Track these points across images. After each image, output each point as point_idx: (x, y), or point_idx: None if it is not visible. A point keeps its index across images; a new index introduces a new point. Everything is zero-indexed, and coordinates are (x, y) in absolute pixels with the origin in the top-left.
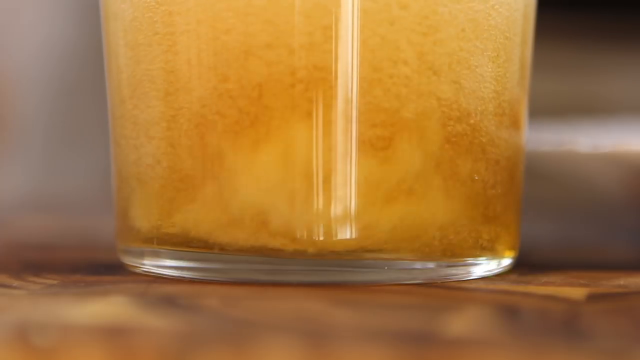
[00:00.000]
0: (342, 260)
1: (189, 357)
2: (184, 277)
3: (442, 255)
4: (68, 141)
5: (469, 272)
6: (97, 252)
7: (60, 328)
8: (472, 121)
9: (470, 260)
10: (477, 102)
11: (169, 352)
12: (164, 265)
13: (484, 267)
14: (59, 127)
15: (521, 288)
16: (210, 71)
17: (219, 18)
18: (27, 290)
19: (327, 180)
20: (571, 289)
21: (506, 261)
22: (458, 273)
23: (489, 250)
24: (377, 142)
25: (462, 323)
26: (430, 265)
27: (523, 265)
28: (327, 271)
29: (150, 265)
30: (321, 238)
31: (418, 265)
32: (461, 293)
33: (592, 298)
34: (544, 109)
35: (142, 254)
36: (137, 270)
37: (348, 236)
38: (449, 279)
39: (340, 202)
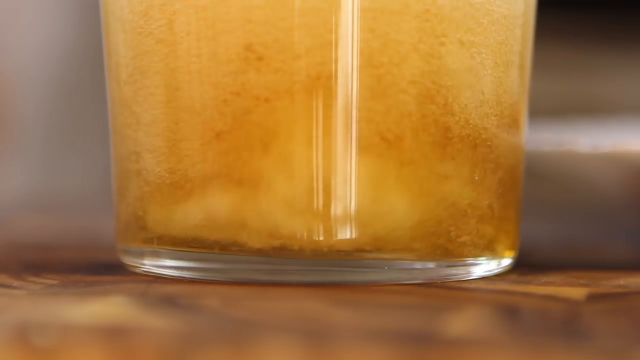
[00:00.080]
0: (342, 260)
1: (189, 357)
2: (184, 277)
3: (442, 255)
4: (68, 141)
5: (469, 272)
6: (97, 252)
7: (60, 328)
8: (472, 121)
9: (470, 260)
10: (477, 102)
11: (169, 352)
12: (164, 265)
13: (484, 267)
14: (58, 127)
15: (521, 288)
16: (211, 71)
17: (220, 18)
18: (27, 290)
19: (327, 180)
20: (571, 289)
21: (506, 261)
22: (458, 273)
23: (489, 250)
24: (377, 142)
25: (462, 323)
26: (430, 265)
27: (523, 265)
28: (327, 271)
29: (150, 265)
30: (321, 238)
31: (418, 265)
32: (461, 293)
33: (592, 298)
34: (544, 109)
35: (142, 254)
36: (137, 270)
37: (348, 236)
38: (449, 279)
39: (340, 202)
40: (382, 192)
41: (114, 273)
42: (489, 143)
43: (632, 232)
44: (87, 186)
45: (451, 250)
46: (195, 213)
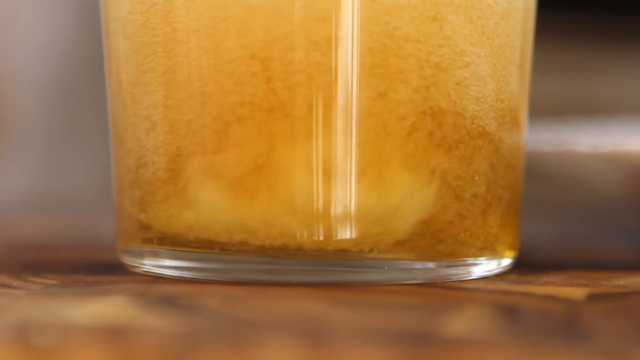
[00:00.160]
0: (342, 260)
1: (189, 357)
2: (184, 277)
3: (442, 255)
4: (67, 141)
5: (469, 272)
6: (97, 252)
7: (60, 328)
8: (472, 122)
9: (470, 260)
10: (478, 103)
11: (169, 352)
12: (164, 265)
13: (484, 267)
14: (58, 127)
15: (521, 288)
16: (211, 73)
17: (220, 19)
18: (27, 290)
19: (327, 180)
20: (571, 289)
21: (506, 261)
22: (458, 273)
23: (489, 250)
24: (377, 142)
25: (462, 323)
26: (430, 265)
27: (523, 265)
28: (327, 271)
29: (150, 265)
30: (321, 238)
31: (418, 265)
32: (461, 293)
33: (592, 298)
34: (544, 109)
35: (142, 254)
36: (137, 270)
37: (348, 236)
38: (449, 279)
39: (340, 202)
40: (382, 192)
41: (114, 273)
42: (489, 143)
43: (632, 232)
44: (87, 186)
45: (451, 250)
46: (196, 213)
